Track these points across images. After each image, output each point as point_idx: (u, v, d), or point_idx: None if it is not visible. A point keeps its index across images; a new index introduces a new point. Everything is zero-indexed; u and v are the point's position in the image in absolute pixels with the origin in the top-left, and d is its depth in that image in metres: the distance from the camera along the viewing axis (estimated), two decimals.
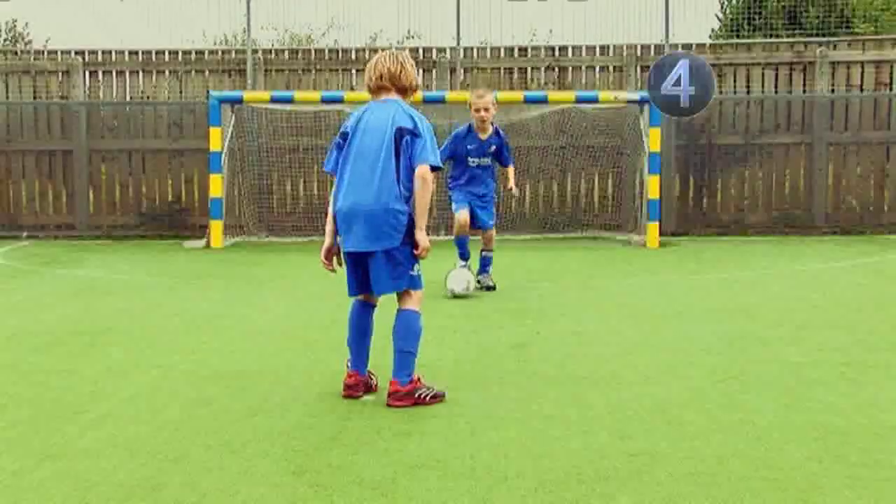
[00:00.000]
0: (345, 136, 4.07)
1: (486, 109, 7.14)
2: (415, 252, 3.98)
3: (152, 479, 3.06)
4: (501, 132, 7.42)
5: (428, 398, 3.97)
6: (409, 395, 3.94)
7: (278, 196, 12.80)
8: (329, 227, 4.11)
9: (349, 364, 4.16)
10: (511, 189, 7.51)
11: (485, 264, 7.52)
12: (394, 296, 4.07)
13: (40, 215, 13.05)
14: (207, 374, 4.57)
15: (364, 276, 4.01)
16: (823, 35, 13.99)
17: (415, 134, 3.94)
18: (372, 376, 4.19)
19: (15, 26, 22.63)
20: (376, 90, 4.10)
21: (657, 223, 11.33)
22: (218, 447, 3.40)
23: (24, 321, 6.25)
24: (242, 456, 3.30)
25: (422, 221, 3.96)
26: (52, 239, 12.76)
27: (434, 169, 3.97)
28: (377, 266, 3.94)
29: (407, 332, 3.99)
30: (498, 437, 3.49)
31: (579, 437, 3.48)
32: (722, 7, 20.81)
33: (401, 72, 4.06)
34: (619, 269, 9.35)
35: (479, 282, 7.44)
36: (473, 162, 7.26)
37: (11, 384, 4.44)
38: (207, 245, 11.47)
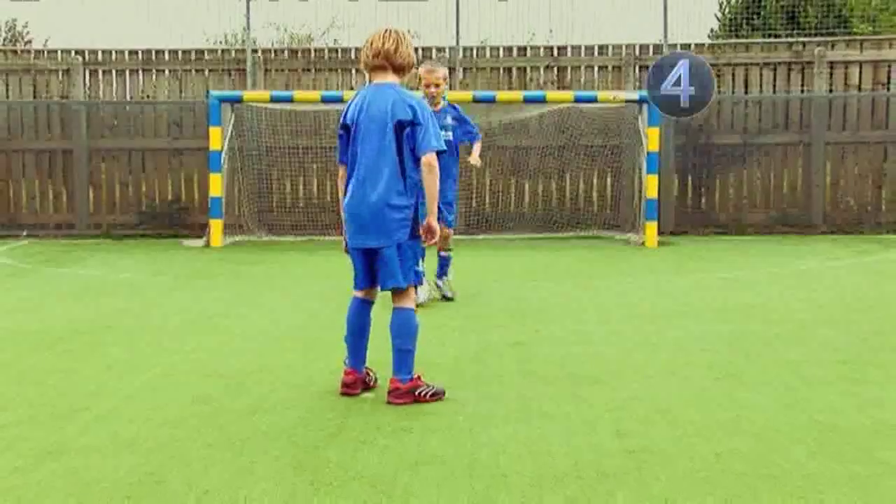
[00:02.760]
0: (346, 127, 4.05)
1: (437, 85, 6.58)
2: (425, 238, 4.01)
3: (153, 475, 3.09)
4: (457, 106, 7.03)
5: (428, 396, 3.99)
6: (409, 393, 3.96)
7: (278, 195, 12.84)
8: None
9: (346, 362, 4.18)
10: (475, 162, 7.08)
11: (442, 266, 6.96)
12: (388, 294, 4.09)
13: (40, 214, 13.07)
14: (207, 373, 4.60)
15: (372, 270, 4.04)
16: (822, 35, 14.05)
17: (414, 123, 3.92)
18: (370, 373, 4.21)
19: (14, 25, 22.66)
20: (373, 69, 4.04)
21: (655, 222, 11.39)
22: (218, 445, 3.43)
23: (25, 320, 6.29)
24: (243, 453, 3.33)
25: (433, 207, 3.98)
26: (52, 238, 12.78)
27: (439, 153, 3.98)
28: (384, 261, 3.97)
29: (404, 331, 4.01)
30: (497, 435, 3.51)
31: (578, 435, 3.51)
32: (721, 7, 20.90)
33: (396, 49, 4.00)
34: (619, 268, 9.39)
35: (438, 287, 6.93)
36: None
37: (12, 383, 4.47)
38: (207, 244, 11.50)
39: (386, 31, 4.05)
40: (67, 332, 5.80)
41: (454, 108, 6.94)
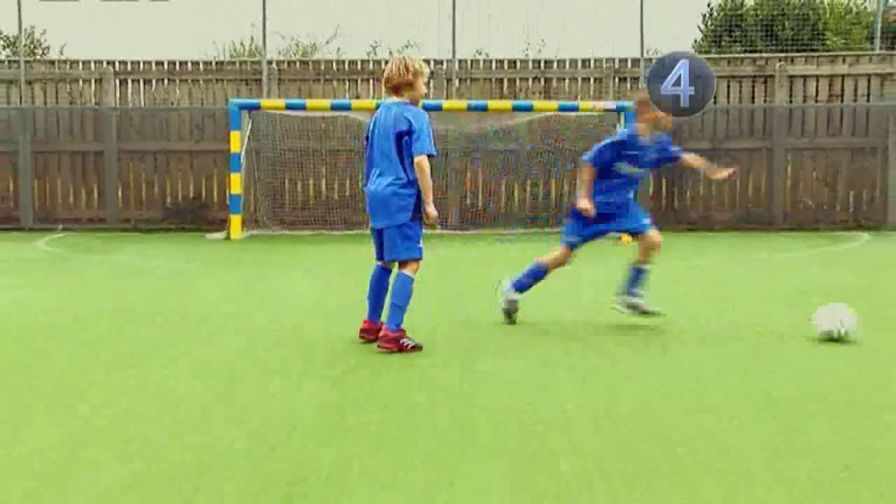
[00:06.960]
0: (367, 138, 5.25)
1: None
2: (426, 221, 5.09)
3: (225, 393, 4.12)
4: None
5: (409, 347, 5.02)
6: (394, 341, 5.00)
7: (290, 194, 13.96)
8: None
9: (366, 314, 5.34)
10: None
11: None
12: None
13: (74, 210, 14.19)
14: (252, 329, 5.65)
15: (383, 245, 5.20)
16: (793, 49, 15.18)
17: (410, 132, 5.00)
18: (383, 325, 5.25)
19: (33, 33, 23.55)
20: (395, 89, 5.13)
21: None
22: (269, 373, 4.50)
23: (86, 299, 7.31)
24: (289, 378, 4.40)
25: (429, 197, 5.06)
26: (85, 231, 13.85)
27: (430, 156, 5.03)
28: (390, 238, 5.10)
29: (400, 290, 5.07)
30: (481, 368, 4.66)
31: (536, 368, 4.70)
32: (704, 19, 21.93)
33: (398, 75, 5.09)
34: (594, 258, 10.46)
35: (630, 304, 6.29)
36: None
37: (98, 340, 5.55)
38: (227, 237, 12.56)
39: (392, 62, 5.21)
40: (127, 306, 6.79)
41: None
